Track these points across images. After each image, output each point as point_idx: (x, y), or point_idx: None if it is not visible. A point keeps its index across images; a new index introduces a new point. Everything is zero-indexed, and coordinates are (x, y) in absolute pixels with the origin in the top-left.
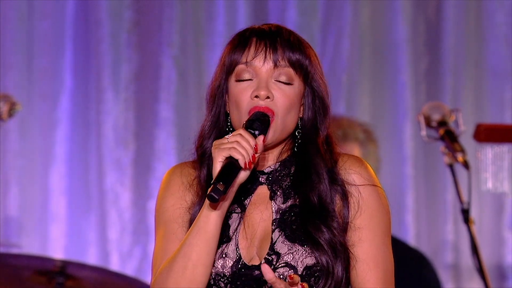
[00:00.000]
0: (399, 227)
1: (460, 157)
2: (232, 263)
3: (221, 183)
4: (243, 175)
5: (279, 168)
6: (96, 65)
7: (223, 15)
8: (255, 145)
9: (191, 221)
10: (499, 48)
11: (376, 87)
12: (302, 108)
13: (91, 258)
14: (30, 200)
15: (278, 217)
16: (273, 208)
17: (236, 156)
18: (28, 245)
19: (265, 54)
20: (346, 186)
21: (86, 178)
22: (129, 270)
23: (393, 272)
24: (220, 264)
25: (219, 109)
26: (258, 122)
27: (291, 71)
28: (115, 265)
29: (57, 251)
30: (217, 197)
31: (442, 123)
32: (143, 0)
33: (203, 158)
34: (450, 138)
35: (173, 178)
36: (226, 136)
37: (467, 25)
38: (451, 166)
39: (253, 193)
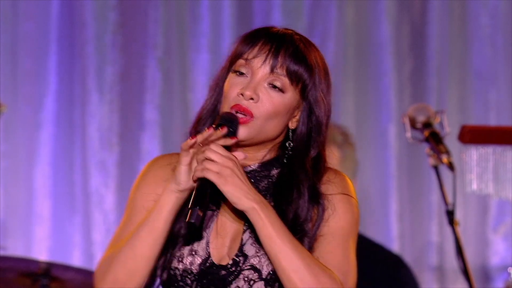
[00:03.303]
0: (383, 229)
1: (445, 158)
2: (200, 261)
3: (198, 208)
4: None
5: (258, 169)
6: (81, 66)
7: (208, 16)
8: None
9: None
10: (484, 50)
11: (360, 88)
12: (295, 120)
13: (76, 260)
14: (14, 201)
15: None
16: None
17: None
18: (12, 246)
19: (266, 58)
20: (325, 200)
21: (70, 179)
22: None
23: (355, 277)
24: (189, 261)
25: (218, 97)
26: (227, 123)
27: (286, 80)
28: None
29: (42, 253)
30: (197, 224)
31: (427, 124)
32: (127, 2)
33: None
34: (435, 140)
35: (153, 169)
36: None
37: (451, 26)
38: (436, 168)
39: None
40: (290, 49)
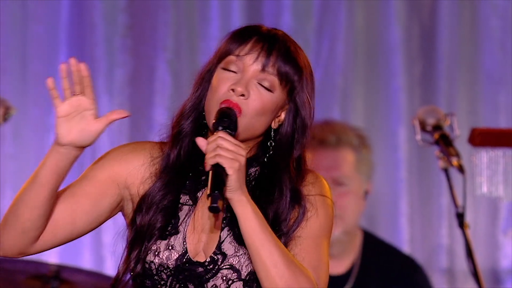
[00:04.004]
0: (393, 231)
1: (455, 161)
2: (177, 256)
3: (216, 192)
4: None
5: None
6: (91, 69)
7: (218, 18)
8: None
9: (144, 197)
10: (494, 52)
11: (370, 91)
12: (279, 120)
13: (86, 262)
14: None
15: (229, 215)
16: (224, 205)
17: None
18: None
19: (258, 55)
20: (306, 202)
21: None
22: None
23: (327, 277)
24: (166, 256)
25: (203, 92)
26: (226, 118)
27: (276, 80)
28: (109, 270)
29: (52, 256)
30: (220, 209)
31: (437, 127)
32: (137, 4)
33: (177, 137)
34: (445, 142)
35: (138, 151)
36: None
37: (461, 29)
38: (446, 170)
39: (206, 186)
40: (282, 49)
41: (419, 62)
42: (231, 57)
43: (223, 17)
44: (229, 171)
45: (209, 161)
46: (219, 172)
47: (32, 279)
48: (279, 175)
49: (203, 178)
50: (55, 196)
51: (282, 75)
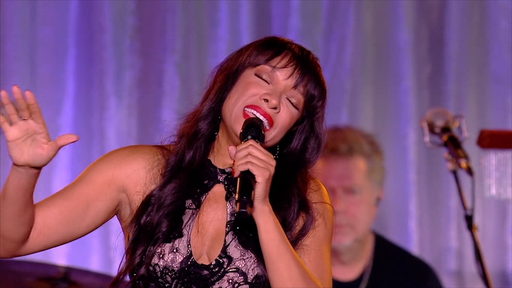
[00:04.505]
0: (402, 233)
1: (463, 163)
2: (182, 259)
3: (245, 197)
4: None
5: None
6: (99, 71)
7: (226, 21)
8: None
9: (144, 203)
10: (502, 54)
11: (379, 93)
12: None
13: (94, 264)
14: None
15: (233, 219)
16: (228, 209)
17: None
18: None
19: (292, 72)
20: (314, 210)
21: None
22: None
23: (331, 283)
24: (170, 258)
25: (225, 93)
26: (253, 128)
27: (302, 99)
28: None
29: (60, 258)
30: (248, 213)
31: (446, 129)
32: (146, 6)
33: (194, 138)
34: (453, 144)
35: (137, 154)
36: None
37: (470, 31)
38: (454, 172)
39: (209, 190)
40: (313, 72)
41: (427, 64)
42: (266, 67)
43: (232, 20)
44: (259, 179)
45: (240, 167)
46: (248, 179)
47: (41, 281)
48: (288, 187)
49: (206, 182)
50: (30, 207)
51: (309, 97)
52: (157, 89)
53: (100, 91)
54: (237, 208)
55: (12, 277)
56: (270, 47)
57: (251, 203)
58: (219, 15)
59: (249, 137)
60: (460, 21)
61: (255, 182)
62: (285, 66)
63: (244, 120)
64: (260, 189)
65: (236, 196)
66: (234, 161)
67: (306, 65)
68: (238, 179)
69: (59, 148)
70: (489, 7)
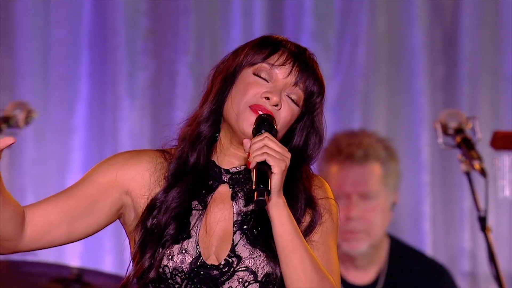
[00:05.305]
0: (416, 235)
1: (477, 164)
2: (191, 259)
3: (262, 186)
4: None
5: (243, 171)
6: (112, 72)
7: (239, 22)
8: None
9: (149, 206)
10: None
11: (392, 94)
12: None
13: (108, 265)
14: None
15: (239, 219)
16: (234, 209)
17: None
18: (44, 252)
19: (291, 69)
20: (320, 207)
21: None
22: None
23: (339, 279)
24: (180, 259)
25: (225, 95)
26: (265, 122)
27: (302, 96)
28: None
29: (74, 259)
30: (266, 202)
31: (459, 130)
32: (159, 8)
33: (196, 140)
34: (467, 146)
35: (141, 156)
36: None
37: (483, 32)
38: (468, 174)
39: (214, 191)
40: (311, 69)
41: (441, 65)
42: (264, 65)
43: (245, 21)
44: (275, 169)
45: (256, 158)
46: (264, 170)
47: (54, 282)
48: (294, 184)
49: (211, 183)
50: (9, 204)
51: (309, 93)
52: (170, 90)
53: (113, 92)
54: (254, 197)
55: (25, 278)
56: (266, 46)
57: (268, 192)
58: (232, 16)
59: (263, 131)
60: (474, 22)
61: (271, 173)
62: (283, 64)
63: (256, 116)
64: (276, 180)
65: (253, 186)
66: (248, 153)
67: (303, 62)
68: (254, 170)
69: (1, 150)
70: (503, 8)
